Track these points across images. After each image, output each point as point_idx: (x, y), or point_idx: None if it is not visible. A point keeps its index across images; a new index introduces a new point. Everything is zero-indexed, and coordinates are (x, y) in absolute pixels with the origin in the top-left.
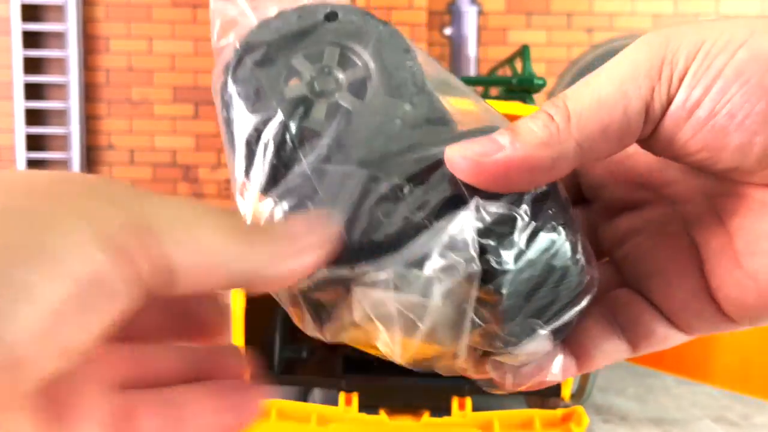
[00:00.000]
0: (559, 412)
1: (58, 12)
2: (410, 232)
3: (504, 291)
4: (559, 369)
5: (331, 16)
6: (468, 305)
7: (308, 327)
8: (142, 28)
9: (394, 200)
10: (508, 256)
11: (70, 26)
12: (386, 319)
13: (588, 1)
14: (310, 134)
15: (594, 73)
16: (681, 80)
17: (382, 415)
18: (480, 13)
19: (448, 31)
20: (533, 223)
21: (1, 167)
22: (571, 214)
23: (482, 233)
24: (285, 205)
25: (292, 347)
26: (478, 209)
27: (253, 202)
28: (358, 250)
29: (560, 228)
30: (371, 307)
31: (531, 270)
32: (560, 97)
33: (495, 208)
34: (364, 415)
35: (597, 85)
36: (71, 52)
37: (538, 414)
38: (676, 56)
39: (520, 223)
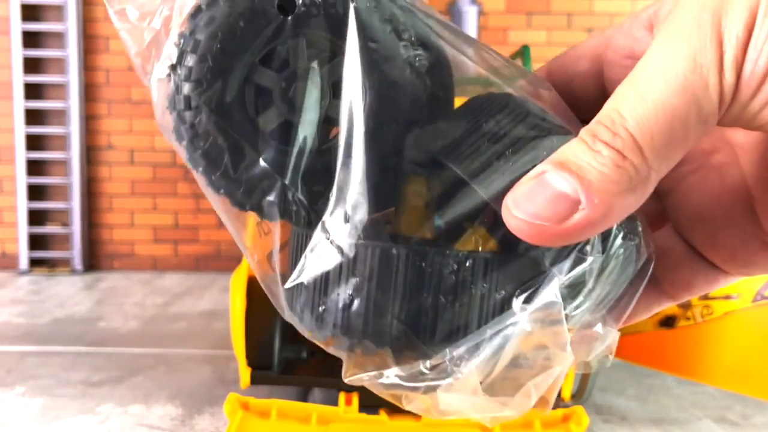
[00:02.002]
0: (559, 412)
1: (58, 12)
2: (477, 311)
3: (577, 326)
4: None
5: (288, 6)
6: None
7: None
8: None
9: (450, 274)
10: (581, 300)
11: (70, 26)
12: (473, 414)
13: (588, 1)
14: (318, 178)
15: (640, 75)
16: (744, 53)
17: (382, 415)
18: (480, 13)
19: None
20: (605, 255)
21: (1, 167)
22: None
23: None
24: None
25: (292, 347)
26: (557, 279)
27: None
28: (428, 344)
29: (628, 242)
30: (459, 409)
31: (600, 288)
32: (616, 122)
33: (569, 271)
34: (364, 415)
35: (655, 94)
36: (71, 52)
37: (538, 414)
38: (733, 29)
39: (591, 267)
